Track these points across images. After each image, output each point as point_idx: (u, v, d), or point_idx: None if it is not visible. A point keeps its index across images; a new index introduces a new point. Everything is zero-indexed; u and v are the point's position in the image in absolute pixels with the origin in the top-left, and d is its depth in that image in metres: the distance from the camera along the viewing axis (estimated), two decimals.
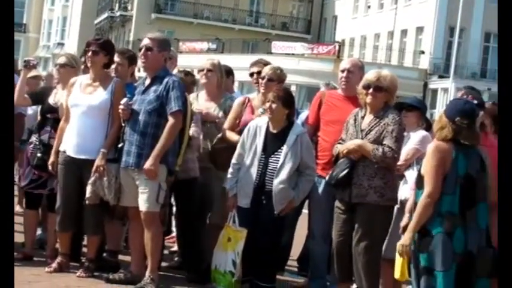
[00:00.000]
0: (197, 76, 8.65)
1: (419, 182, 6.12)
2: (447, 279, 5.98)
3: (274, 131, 7.51)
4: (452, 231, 6.01)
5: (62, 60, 8.31)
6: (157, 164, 7.25)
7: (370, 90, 7.12)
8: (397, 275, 6.91)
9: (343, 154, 7.13)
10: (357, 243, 7.04)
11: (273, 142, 7.48)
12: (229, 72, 9.15)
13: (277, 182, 7.36)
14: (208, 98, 8.36)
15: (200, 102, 8.34)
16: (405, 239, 6.10)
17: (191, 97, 8.41)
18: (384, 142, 7.00)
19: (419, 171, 6.24)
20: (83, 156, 7.60)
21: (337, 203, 7.25)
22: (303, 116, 8.77)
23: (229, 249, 7.46)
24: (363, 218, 7.03)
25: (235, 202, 7.53)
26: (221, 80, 8.40)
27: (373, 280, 7.07)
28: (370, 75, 7.22)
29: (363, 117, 7.22)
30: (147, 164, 7.21)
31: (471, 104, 6.35)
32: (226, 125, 8.05)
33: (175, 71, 8.85)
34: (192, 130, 7.86)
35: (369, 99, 7.14)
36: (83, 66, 8.32)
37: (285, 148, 7.41)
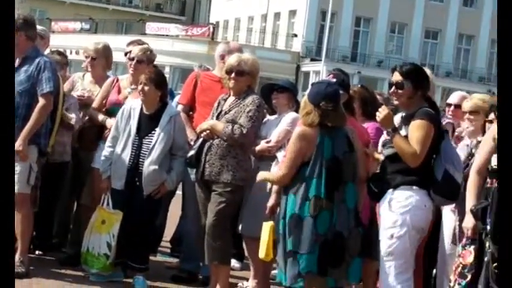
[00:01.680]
0: (72, 56, 8.57)
1: None
2: (310, 261, 6.16)
3: (148, 113, 7.52)
4: (317, 214, 6.18)
5: None
6: (26, 144, 7.16)
7: (232, 75, 7.25)
8: (261, 255, 7.07)
9: (198, 134, 7.29)
10: (207, 219, 7.20)
11: (146, 123, 7.49)
12: None
13: (147, 163, 7.38)
14: (93, 80, 8.33)
15: (85, 83, 8.33)
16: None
17: (76, 76, 8.38)
18: (238, 121, 7.15)
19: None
20: None
21: (196, 186, 7.38)
22: (176, 99, 8.80)
23: (103, 232, 7.42)
24: (214, 195, 7.19)
25: (109, 184, 7.51)
26: (106, 64, 8.38)
27: (214, 255, 7.21)
28: (231, 59, 7.37)
29: (225, 100, 7.36)
30: (16, 145, 7.10)
31: (333, 86, 6.51)
32: (94, 104, 8.03)
33: (47, 51, 8.73)
34: (73, 120, 7.81)
35: (231, 83, 7.28)
36: None
37: (158, 129, 7.43)
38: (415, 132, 5.93)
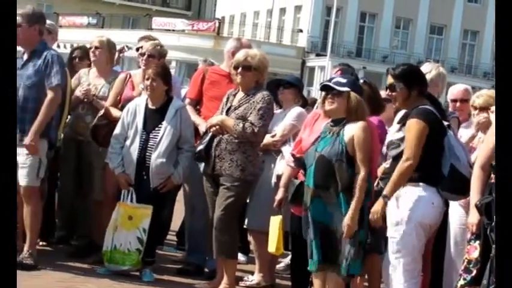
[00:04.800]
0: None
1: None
2: None
3: (154, 107, 7.59)
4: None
5: None
6: (38, 139, 7.25)
7: (239, 70, 7.31)
8: (271, 249, 7.13)
9: (208, 129, 7.33)
10: (215, 213, 7.25)
11: (152, 118, 7.55)
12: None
13: (155, 157, 7.43)
14: (98, 74, 8.38)
15: (90, 77, 8.38)
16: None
17: (82, 72, 8.44)
18: (248, 118, 7.20)
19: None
20: None
21: (204, 180, 7.44)
22: (183, 93, 8.86)
23: (131, 228, 7.43)
24: (222, 190, 7.24)
25: (128, 179, 7.54)
26: (110, 57, 8.44)
27: (221, 249, 7.25)
28: (238, 55, 7.42)
29: (234, 95, 7.41)
30: (27, 140, 7.18)
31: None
32: (108, 101, 8.08)
33: (54, 46, 8.81)
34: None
35: (238, 78, 7.33)
36: None
37: (164, 123, 7.49)
38: (407, 133, 5.97)
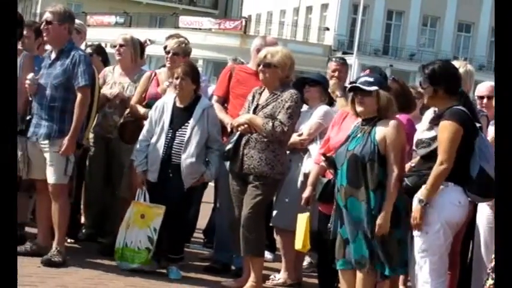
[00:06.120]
0: (107, 50, 8.71)
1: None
2: None
3: (181, 106, 7.62)
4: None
5: None
6: (74, 143, 7.32)
7: (260, 67, 7.33)
8: (298, 246, 7.13)
9: (235, 128, 7.34)
10: (243, 211, 7.27)
11: (179, 116, 7.58)
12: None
13: (185, 157, 7.46)
14: (123, 72, 8.44)
15: (115, 76, 8.43)
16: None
17: (107, 70, 8.50)
18: (277, 117, 7.21)
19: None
20: None
21: (230, 178, 7.45)
22: (210, 91, 8.89)
23: (143, 226, 7.49)
24: (250, 188, 7.25)
25: (144, 178, 7.60)
26: (135, 54, 8.49)
27: (248, 247, 7.28)
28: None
29: (260, 94, 7.42)
30: (65, 143, 7.26)
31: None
32: (133, 99, 8.13)
33: (83, 45, 8.88)
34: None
35: (260, 76, 7.36)
36: None
37: (191, 121, 7.51)
38: (441, 135, 5.91)
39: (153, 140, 7.57)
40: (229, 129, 7.62)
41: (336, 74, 8.63)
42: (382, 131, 6.16)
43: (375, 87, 6.22)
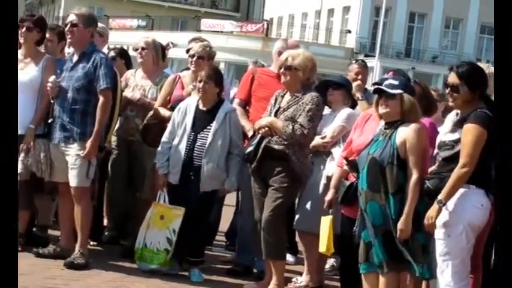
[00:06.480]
0: (130, 53, 8.73)
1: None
2: None
3: (204, 109, 7.62)
4: None
5: None
6: (96, 145, 7.34)
7: (282, 70, 7.33)
8: (322, 249, 7.11)
9: (256, 130, 7.35)
10: (263, 214, 7.26)
11: (202, 119, 7.59)
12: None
13: (206, 160, 7.47)
14: (145, 75, 8.46)
15: (137, 78, 8.46)
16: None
17: (129, 73, 8.53)
18: (298, 120, 7.19)
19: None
20: None
21: (252, 181, 7.45)
22: (231, 94, 8.89)
23: (162, 227, 7.51)
24: (271, 191, 7.25)
25: (165, 180, 7.61)
26: (157, 57, 8.51)
27: (270, 250, 7.27)
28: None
29: (282, 96, 7.41)
30: (88, 147, 7.29)
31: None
32: (158, 102, 8.15)
33: (105, 48, 8.91)
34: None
35: (282, 78, 7.36)
36: None
37: (214, 125, 7.52)
38: (465, 137, 5.84)
39: (175, 142, 7.59)
40: (249, 136, 7.61)
41: (360, 76, 8.67)
42: (403, 135, 6.13)
43: (399, 91, 6.20)
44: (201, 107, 7.63)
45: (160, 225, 7.53)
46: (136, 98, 8.26)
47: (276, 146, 7.19)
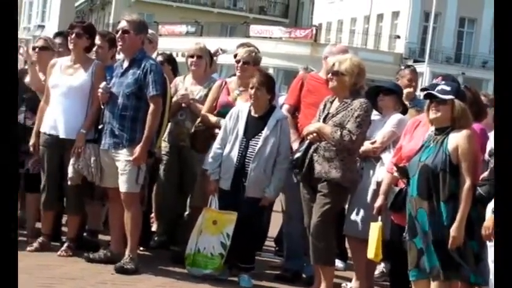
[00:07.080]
0: (178, 59, 8.77)
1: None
2: None
3: (256, 115, 7.64)
4: None
5: (40, 43, 8.38)
6: (146, 151, 7.38)
7: (329, 75, 7.31)
8: (370, 255, 7.07)
9: (304, 136, 7.34)
10: (312, 220, 7.24)
11: (254, 125, 7.60)
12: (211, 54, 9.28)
13: (253, 166, 7.49)
14: (195, 81, 8.49)
15: (186, 84, 8.49)
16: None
17: (178, 80, 8.57)
18: (346, 126, 7.16)
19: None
20: (63, 137, 7.70)
21: (301, 186, 7.43)
22: (280, 100, 8.89)
23: (215, 232, 7.53)
24: (319, 196, 7.22)
25: (217, 186, 7.63)
26: (209, 63, 8.54)
27: (318, 256, 7.25)
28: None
29: (331, 102, 7.38)
30: (136, 153, 7.34)
31: None
32: (204, 108, 8.17)
33: (154, 55, 8.97)
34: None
35: (329, 84, 7.33)
36: (60, 49, 8.39)
37: (265, 131, 7.53)
38: None
39: (227, 148, 7.60)
40: (294, 149, 7.59)
41: (413, 83, 8.71)
42: (455, 141, 6.09)
43: (450, 96, 6.16)
44: (252, 113, 7.65)
45: (214, 230, 7.54)
46: (188, 97, 8.27)
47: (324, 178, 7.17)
